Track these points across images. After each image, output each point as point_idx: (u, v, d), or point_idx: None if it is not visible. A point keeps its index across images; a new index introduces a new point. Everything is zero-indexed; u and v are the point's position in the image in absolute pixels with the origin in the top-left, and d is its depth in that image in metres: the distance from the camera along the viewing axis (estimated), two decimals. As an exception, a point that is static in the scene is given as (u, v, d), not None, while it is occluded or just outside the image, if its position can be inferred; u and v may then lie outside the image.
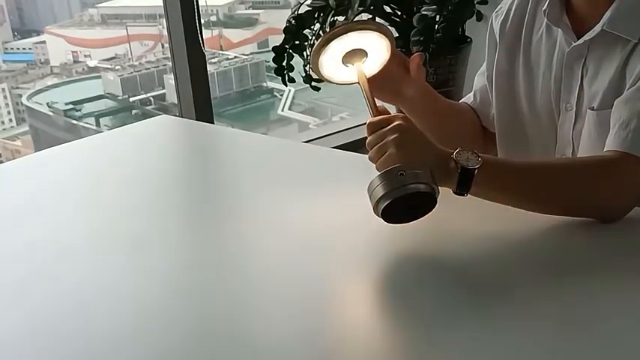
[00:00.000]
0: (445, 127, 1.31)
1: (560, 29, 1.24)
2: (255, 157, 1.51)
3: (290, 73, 2.59)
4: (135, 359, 0.88)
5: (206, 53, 2.71)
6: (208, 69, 2.78)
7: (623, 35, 1.15)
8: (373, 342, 0.89)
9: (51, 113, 3.35)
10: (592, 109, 1.19)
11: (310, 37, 2.58)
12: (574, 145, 1.25)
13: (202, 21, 2.68)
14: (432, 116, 1.28)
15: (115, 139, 1.75)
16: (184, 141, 1.77)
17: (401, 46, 2.38)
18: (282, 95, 3.81)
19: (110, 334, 0.92)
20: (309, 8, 2.58)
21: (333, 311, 0.96)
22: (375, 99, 1.14)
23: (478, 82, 1.42)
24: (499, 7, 1.38)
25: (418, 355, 0.87)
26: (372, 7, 2.56)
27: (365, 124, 1.09)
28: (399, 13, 2.69)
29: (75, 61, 3.44)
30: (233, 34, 3.77)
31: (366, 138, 1.08)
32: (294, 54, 2.58)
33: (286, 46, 2.56)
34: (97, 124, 3.43)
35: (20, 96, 3.31)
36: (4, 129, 3.31)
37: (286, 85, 2.65)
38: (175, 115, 2.62)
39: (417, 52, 1.72)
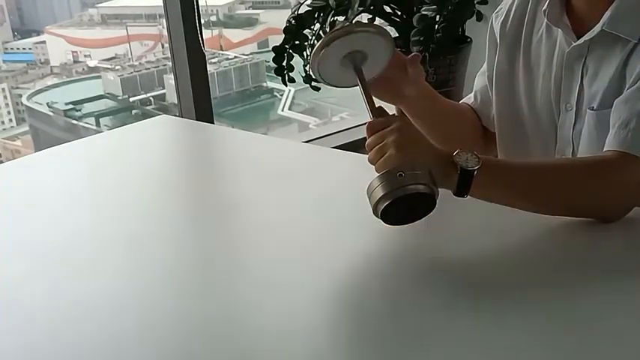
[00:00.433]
0: (445, 127, 1.31)
1: (560, 29, 1.24)
2: (255, 157, 1.51)
3: (290, 73, 2.59)
4: (135, 359, 0.88)
5: (206, 53, 2.71)
6: (208, 69, 2.78)
7: (622, 35, 1.15)
8: (373, 342, 0.89)
9: (51, 113, 3.35)
10: (592, 109, 1.19)
11: (310, 37, 2.58)
12: (574, 145, 1.25)
13: (202, 21, 2.68)
14: (432, 116, 1.28)
15: (115, 139, 1.75)
16: (184, 141, 1.77)
17: (401, 46, 2.38)
18: (282, 95, 3.81)
19: (110, 333, 0.92)
20: (309, 8, 2.57)
21: (333, 311, 0.96)
22: (375, 100, 1.14)
23: (479, 82, 1.42)
24: (499, 7, 1.38)
25: (418, 355, 0.87)
26: (372, 7, 2.56)
27: (365, 124, 1.09)
28: (399, 13, 2.69)
29: (75, 61, 3.44)
30: (233, 34, 3.77)
31: (365, 138, 1.08)
32: (294, 54, 2.58)
33: (286, 46, 2.56)
34: (97, 124, 3.43)
35: (20, 96, 3.31)
36: (4, 129, 3.31)
37: (286, 85, 2.65)
38: (175, 115, 2.62)
39: (415, 52, 1.72)
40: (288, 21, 2.57)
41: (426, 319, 0.92)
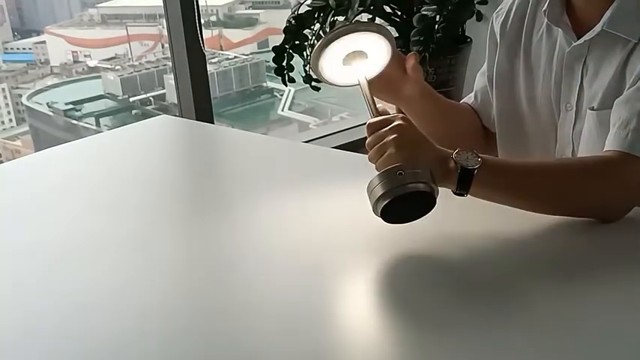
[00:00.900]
0: (445, 127, 1.31)
1: (560, 29, 1.24)
2: (255, 157, 1.51)
3: (290, 73, 2.59)
4: (135, 358, 0.88)
5: (206, 53, 2.71)
6: (208, 69, 2.78)
7: (623, 35, 1.15)
8: (373, 342, 0.89)
9: (51, 113, 3.35)
10: (592, 109, 1.19)
11: (310, 37, 2.58)
12: (574, 145, 1.25)
13: (202, 21, 2.68)
14: (431, 116, 1.28)
15: (115, 139, 1.75)
16: (184, 141, 1.77)
17: (401, 46, 2.37)
18: (282, 95, 3.81)
19: (110, 334, 0.92)
20: (309, 8, 2.58)
21: (332, 311, 0.96)
22: (375, 100, 1.14)
23: (479, 82, 1.42)
24: (499, 7, 1.38)
25: (418, 354, 0.87)
26: (372, 7, 2.56)
27: (365, 124, 1.09)
28: (399, 13, 2.69)
29: (75, 61, 3.44)
30: (233, 34, 3.77)
31: (365, 138, 1.08)
32: (294, 54, 2.58)
33: (286, 46, 2.56)
34: (97, 124, 3.43)
35: (20, 96, 3.31)
36: (4, 129, 3.31)
37: (286, 85, 2.65)
38: (175, 115, 2.62)
39: (415, 52, 1.72)
40: (288, 21, 2.57)
41: (427, 318, 0.92)
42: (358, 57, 1.15)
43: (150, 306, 0.98)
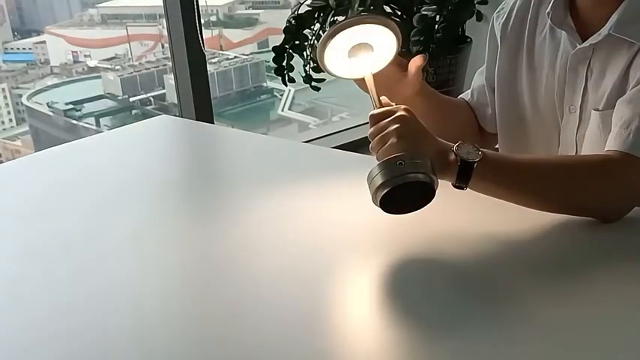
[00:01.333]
0: (441, 123, 1.30)
1: (564, 31, 1.23)
2: (255, 157, 1.51)
3: (290, 73, 2.59)
4: (135, 358, 0.88)
5: (206, 53, 2.71)
6: (208, 69, 2.78)
7: (629, 39, 1.14)
8: (373, 342, 0.89)
9: (51, 113, 3.35)
10: (596, 110, 1.19)
11: (310, 37, 2.58)
12: (577, 148, 1.25)
13: (202, 21, 2.68)
14: (427, 114, 1.27)
15: (115, 139, 1.75)
16: (184, 141, 1.77)
17: (401, 46, 2.38)
18: (282, 95, 3.81)
19: (110, 333, 0.92)
20: (309, 8, 2.58)
21: (332, 311, 0.96)
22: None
23: (477, 80, 1.42)
24: (500, 7, 1.37)
25: (418, 354, 0.87)
26: (371, 7, 2.56)
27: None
28: (399, 13, 2.69)
29: (75, 61, 3.44)
30: (233, 34, 3.77)
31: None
32: (294, 54, 2.58)
33: (286, 46, 2.56)
34: (97, 124, 3.43)
35: (20, 96, 3.31)
36: (4, 129, 3.31)
37: (286, 85, 2.65)
38: (175, 115, 2.62)
39: (417, 52, 1.72)
40: (288, 21, 2.57)
41: (427, 318, 0.91)
42: (364, 49, 1.15)
43: (150, 306, 0.98)
